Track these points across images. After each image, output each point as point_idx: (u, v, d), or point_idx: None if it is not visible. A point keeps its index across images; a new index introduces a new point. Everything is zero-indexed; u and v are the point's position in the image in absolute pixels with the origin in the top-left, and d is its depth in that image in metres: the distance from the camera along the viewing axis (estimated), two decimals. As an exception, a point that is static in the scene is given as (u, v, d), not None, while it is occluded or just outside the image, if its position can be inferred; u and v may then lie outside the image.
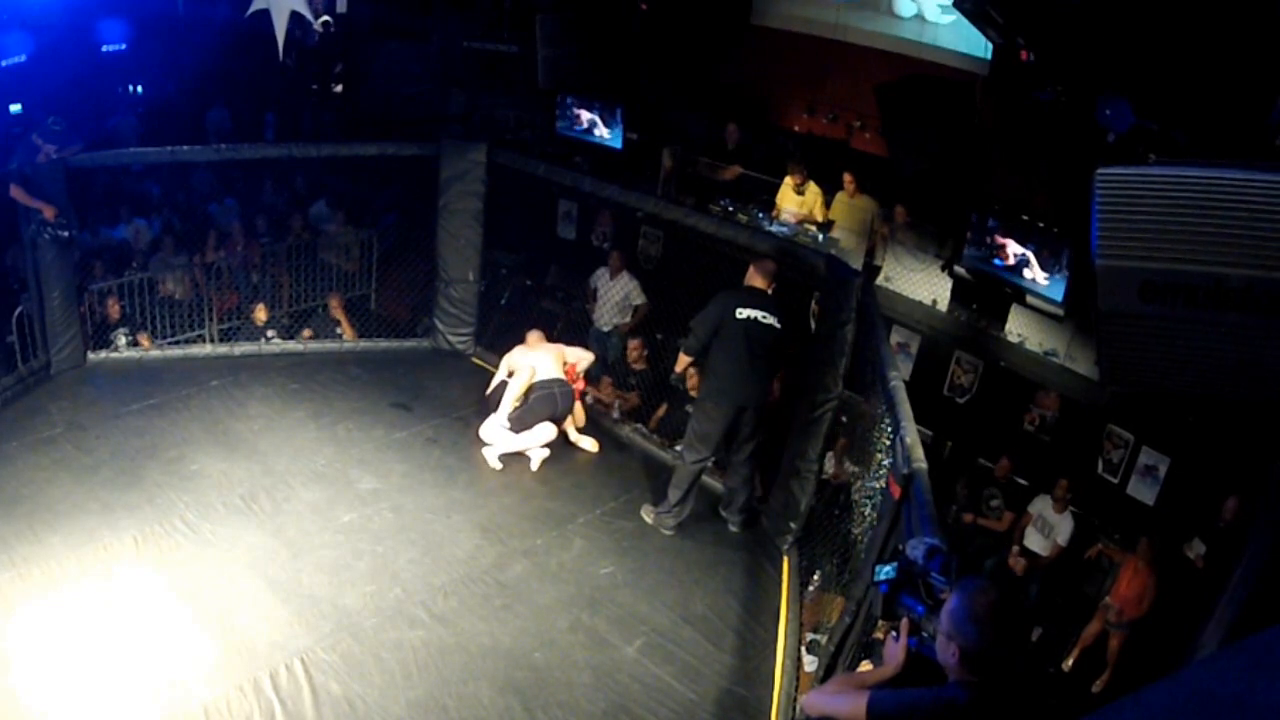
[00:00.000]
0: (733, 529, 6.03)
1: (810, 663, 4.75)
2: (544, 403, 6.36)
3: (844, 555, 4.96)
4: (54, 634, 4.47)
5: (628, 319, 8.13)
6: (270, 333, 8.05)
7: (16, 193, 6.43)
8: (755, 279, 5.76)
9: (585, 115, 9.56)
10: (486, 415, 6.50)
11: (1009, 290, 7.01)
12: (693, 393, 6.40)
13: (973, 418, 7.35)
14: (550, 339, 6.97)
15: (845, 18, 9.01)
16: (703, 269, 6.97)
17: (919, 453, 3.70)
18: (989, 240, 7.02)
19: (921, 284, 7.67)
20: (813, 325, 6.47)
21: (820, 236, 7.92)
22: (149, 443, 6.19)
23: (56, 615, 4.59)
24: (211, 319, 8.06)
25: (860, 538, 4.68)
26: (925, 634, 2.46)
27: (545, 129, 9.98)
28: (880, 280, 7.62)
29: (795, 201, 8.29)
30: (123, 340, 7.49)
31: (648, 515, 5.98)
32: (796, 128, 9.74)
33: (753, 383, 5.70)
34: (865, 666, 3.62)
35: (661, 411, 7.26)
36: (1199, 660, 1.39)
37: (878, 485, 4.49)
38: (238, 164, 8.75)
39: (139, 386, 6.90)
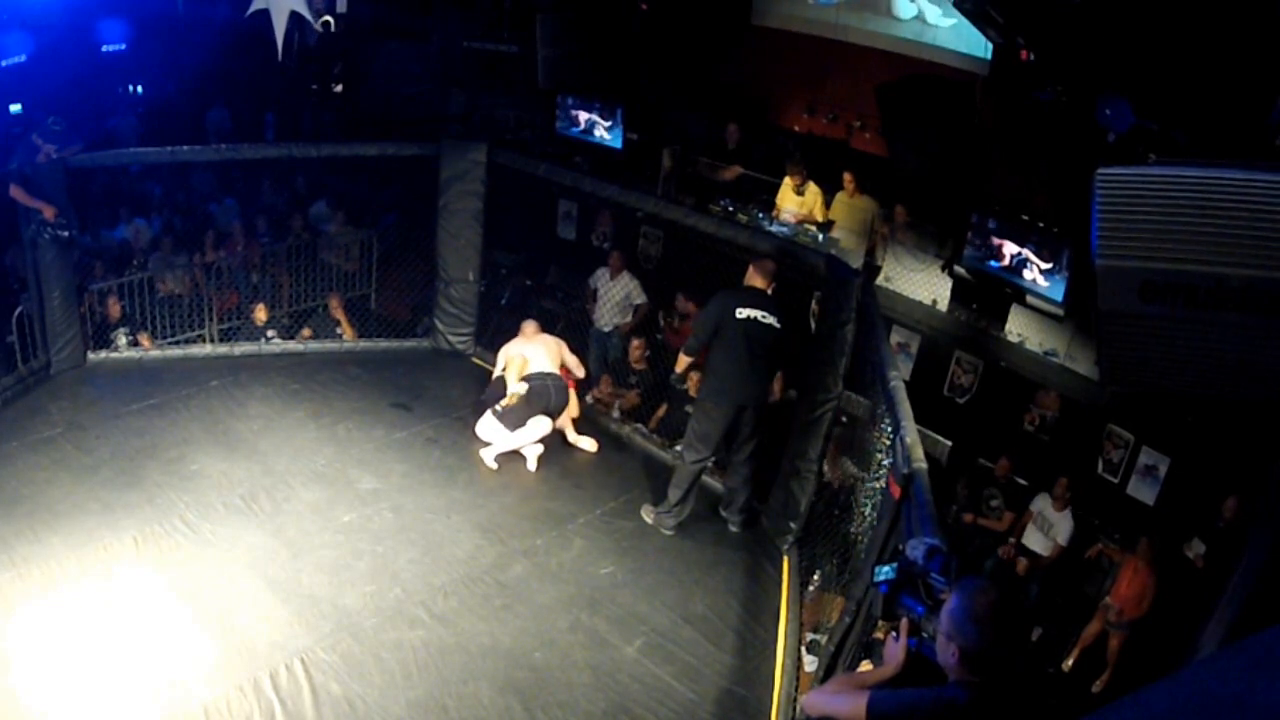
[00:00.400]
0: (733, 529, 6.03)
1: (810, 663, 4.75)
2: (538, 395, 6.32)
3: (844, 555, 4.96)
4: (54, 634, 4.47)
5: (628, 319, 8.13)
6: (270, 333, 8.05)
7: (16, 193, 6.43)
8: (755, 279, 5.76)
9: (585, 115, 9.56)
10: (482, 412, 6.49)
11: (1009, 290, 7.01)
12: (693, 393, 6.40)
13: (973, 418, 7.35)
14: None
15: (845, 18, 9.01)
16: (703, 269, 6.97)
17: (919, 453, 3.70)
18: (988, 240, 7.02)
19: (921, 284, 7.66)
20: (813, 325, 6.47)
21: (820, 236, 7.92)
22: (149, 443, 6.19)
23: (56, 615, 4.59)
24: (211, 319, 8.06)
25: (860, 538, 4.68)
26: (925, 634, 2.46)
27: (545, 129, 9.98)
28: (880, 280, 7.62)
29: (795, 202, 8.29)
30: (123, 340, 7.49)
31: (648, 515, 5.98)
32: (796, 128, 9.74)
33: (753, 382, 5.70)
34: (865, 666, 3.62)
35: (661, 411, 7.26)
36: (1199, 660, 1.39)
37: (878, 485, 4.49)
38: (238, 164, 8.76)
39: (139, 386, 6.91)
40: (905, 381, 4.43)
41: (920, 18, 8.53)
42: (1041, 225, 6.72)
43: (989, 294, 7.27)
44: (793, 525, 5.84)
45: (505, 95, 10.29)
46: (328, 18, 7.53)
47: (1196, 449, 6.09)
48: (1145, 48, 4.72)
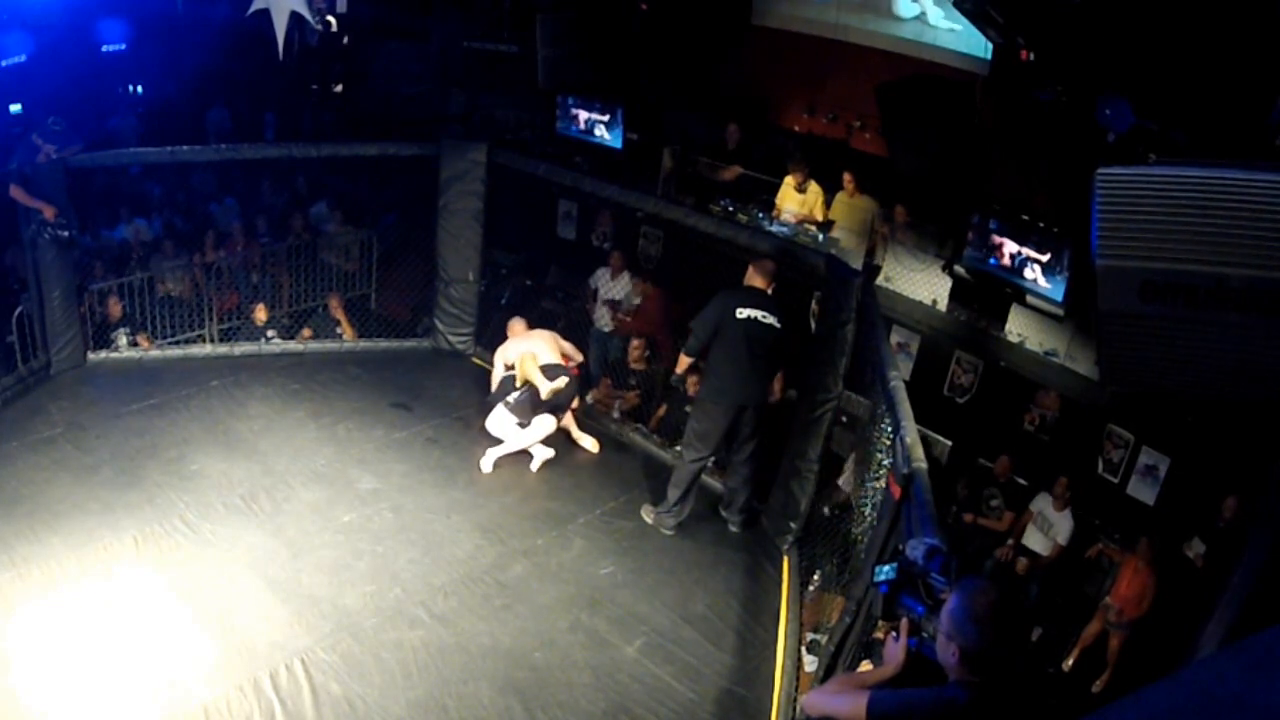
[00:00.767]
0: (733, 529, 6.03)
1: (810, 663, 4.75)
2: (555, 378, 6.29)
3: (844, 555, 4.96)
4: (54, 634, 4.47)
5: (628, 319, 8.13)
6: (270, 333, 8.05)
7: (16, 193, 6.43)
8: (755, 279, 5.76)
9: (585, 115, 9.56)
10: (489, 411, 6.48)
11: (1009, 290, 7.01)
12: (692, 393, 6.40)
13: (973, 418, 7.35)
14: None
15: (845, 18, 9.01)
16: (703, 269, 6.97)
17: (919, 453, 3.70)
18: (988, 240, 7.02)
19: (921, 284, 7.66)
20: (813, 325, 6.47)
21: (820, 236, 7.92)
22: (149, 443, 6.19)
23: (56, 615, 4.59)
24: (211, 319, 8.06)
25: (860, 538, 4.68)
26: (925, 634, 2.46)
27: (545, 129, 9.98)
28: (880, 280, 7.62)
29: (796, 201, 8.28)
30: (123, 340, 7.49)
31: (648, 515, 5.98)
32: (796, 128, 9.74)
33: (753, 382, 5.70)
34: (865, 666, 3.62)
35: (661, 411, 7.26)
36: (1199, 660, 1.39)
37: (878, 485, 4.49)
38: (238, 164, 8.75)
39: (139, 386, 6.91)
40: (905, 381, 4.43)
41: (922, 18, 8.53)
42: (1041, 225, 6.72)
43: (989, 294, 7.27)
44: (793, 525, 5.84)
45: (505, 95, 10.28)
46: (328, 17, 7.53)
47: (1196, 449, 6.09)
48: (1145, 48, 4.72)
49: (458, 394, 7.32)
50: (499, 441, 6.39)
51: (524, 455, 6.42)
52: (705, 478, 6.08)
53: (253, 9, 6.85)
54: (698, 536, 5.91)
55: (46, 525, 5.23)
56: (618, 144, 9.36)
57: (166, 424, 6.45)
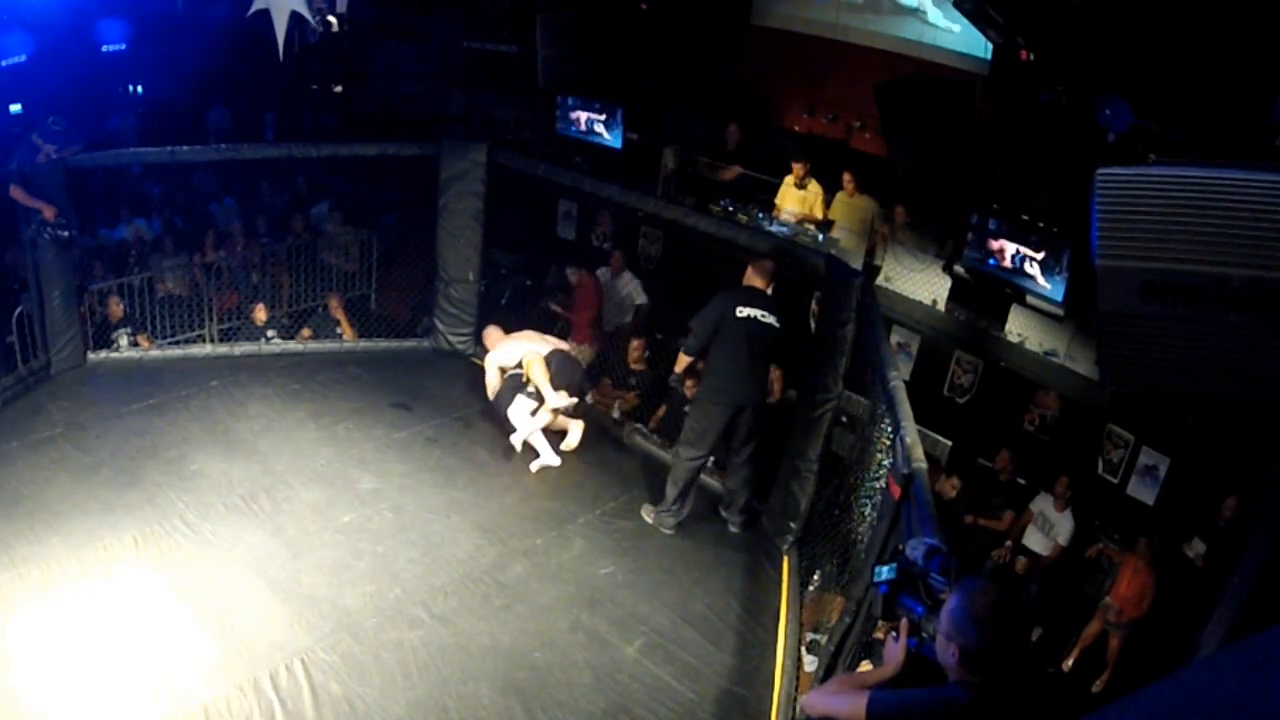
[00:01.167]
0: (733, 529, 6.03)
1: (810, 663, 4.75)
2: (565, 366, 6.32)
3: (844, 555, 4.96)
4: (54, 634, 4.47)
5: (628, 319, 8.13)
6: (270, 333, 8.05)
7: (16, 193, 6.43)
8: (754, 279, 5.76)
9: (585, 115, 9.56)
10: (500, 411, 6.44)
11: (1009, 290, 7.01)
12: (689, 395, 6.39)
13: (973, 418, 7.35)
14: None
15: (845, 18, 9.02)
16: (703, 269, 6.97)
17: (919, 453, 3.71)
18: (988, 240, 7.02)
19: (921, 284, 7.67)
20: (813, 325, 6.46)
21: (820, 236, 7.92)
22: (149, 443, 6.18)
23: (56, 615, 4.59)
24: (211, 319, 8.06)
25: (860, 538, 4.68)
26: (925, 634, 2.46)
27: (545, 129, 9.98)
28: (880, 280, 7.62)
29: (797, 197, 8.28)
30: (124, 340, 7.49)
31: (648, 515, 5.98)
32: (796, 128, 9.74)
33: (752, 382, 5.70)
34: (865, 666, 3.62)
35: (661, 411, 7.25)
36: (1199, 660, 1.39)
37: (878, 485, 4.49)
38: (238, 164, 8.75)
39: (139, 386, 6.90)
40: (905, 381, 4.43)
41: (921, 13, 8.53)
42: (1041, 225, 6.72)
43: (989, 294, 7.27)
44: (793, 525, 5.84)
45: (505, 95, 10.29)
46: (329, 17, 7.53)
47: (1196, 449, 6.09)
48: (1145, 48, 4.72)
49: (458, 394, 7.32)
50: (518, 429, 6.32)
51: (529, 452, 6.36)
52: (705, 478, 6.08)
53: (253, 9, 6.85)
54: (698, 536, 5.91)
55: (46, 525, 5.23)
56: (618, 144, 9.37)
57: (166, 424, 6.45)
